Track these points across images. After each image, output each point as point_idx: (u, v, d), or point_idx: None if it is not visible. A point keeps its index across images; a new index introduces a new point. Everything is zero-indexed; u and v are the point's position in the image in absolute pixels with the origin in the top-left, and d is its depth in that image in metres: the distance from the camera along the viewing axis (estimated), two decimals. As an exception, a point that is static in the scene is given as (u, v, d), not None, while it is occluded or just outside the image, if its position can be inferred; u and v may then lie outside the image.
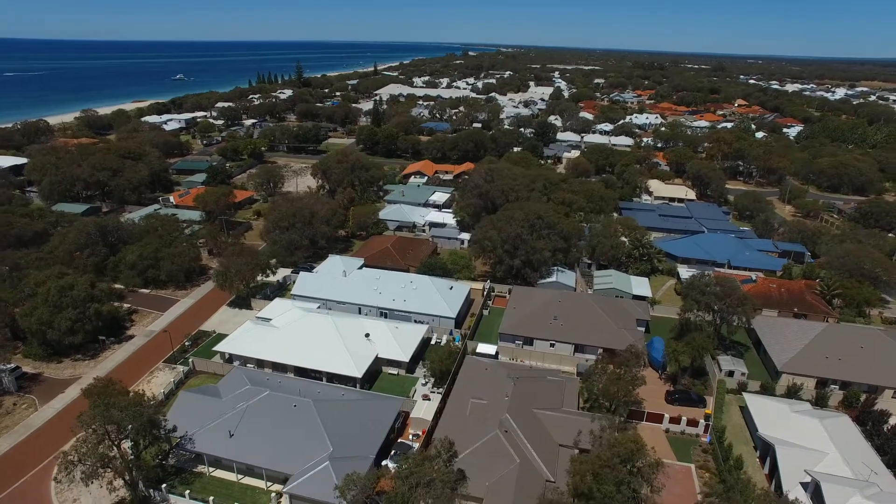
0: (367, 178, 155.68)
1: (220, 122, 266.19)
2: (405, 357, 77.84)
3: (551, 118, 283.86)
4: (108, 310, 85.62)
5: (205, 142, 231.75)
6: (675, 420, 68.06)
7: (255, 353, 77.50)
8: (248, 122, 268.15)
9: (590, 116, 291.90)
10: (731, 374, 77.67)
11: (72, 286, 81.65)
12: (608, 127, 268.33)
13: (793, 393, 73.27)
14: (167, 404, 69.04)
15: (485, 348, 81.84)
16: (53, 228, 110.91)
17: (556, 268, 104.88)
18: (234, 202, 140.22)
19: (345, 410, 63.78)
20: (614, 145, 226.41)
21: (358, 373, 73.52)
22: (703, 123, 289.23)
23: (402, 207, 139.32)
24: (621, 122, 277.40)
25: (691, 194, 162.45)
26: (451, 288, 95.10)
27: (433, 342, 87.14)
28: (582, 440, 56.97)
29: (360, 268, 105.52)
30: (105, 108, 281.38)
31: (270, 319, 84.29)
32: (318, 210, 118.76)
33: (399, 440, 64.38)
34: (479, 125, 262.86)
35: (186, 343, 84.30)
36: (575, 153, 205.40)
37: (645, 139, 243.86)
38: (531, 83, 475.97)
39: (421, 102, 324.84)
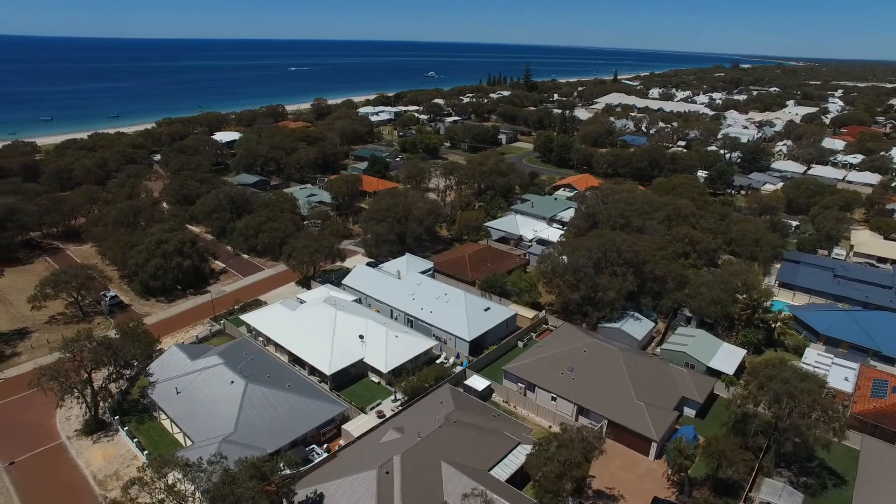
0: (502, 183, 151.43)
1: (426, 116, 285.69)
2: (384, 367, 74.14)
3: (780, 144, 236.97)
4: (190, 265, 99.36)
5: (401, 133, 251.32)
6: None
7: (265, 329, 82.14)
8: (450, 119, 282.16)
9: (840, 144, 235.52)
10: (770, 506, 55.88)
11: (166, 241, 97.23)
12: (856, 159, 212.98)
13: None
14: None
15: (475, 382, 73.25)
16: (207, 193, 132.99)
17: (630, 313, 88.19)
18: (364, 190, 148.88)
19: (273, 401, 63.85)
20: (849, 182, 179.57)
21: (328, 370, 72.66)
22: None
23: (517, 219, 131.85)
24: (881, 153, 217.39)
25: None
26: (486, 309, 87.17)
27: (439, 360, 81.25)
28: None
29: (428, 272, 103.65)
30: (335, 99, 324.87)
31: (304, 302, 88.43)
32: (416, 208, 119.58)
33: (312, 446, 61.84)
34: (683, 143, 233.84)
35: (235, 307, 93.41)
36: (779, 186, 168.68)
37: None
38: (790, 102, 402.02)
39: (634, 114, 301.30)
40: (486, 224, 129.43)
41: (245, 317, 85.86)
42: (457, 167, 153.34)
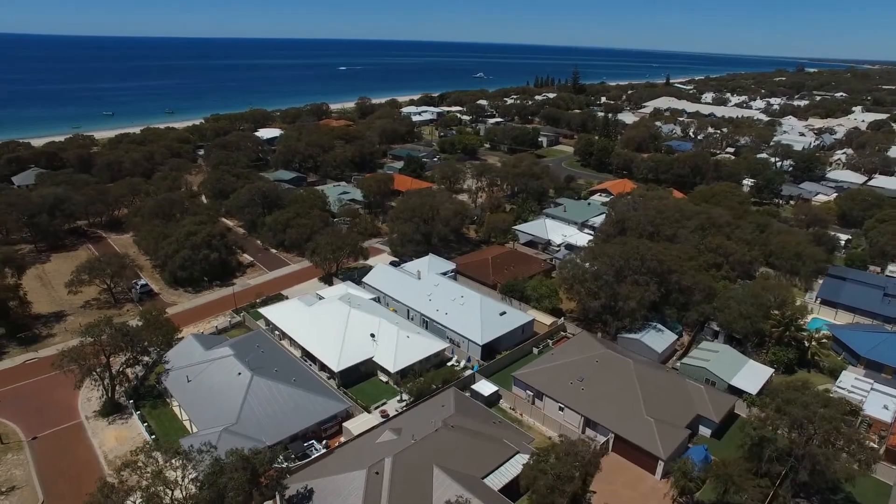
0: (535, 186, 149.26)
1: (468, 117, 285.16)
2: (392, 367, 73.97)
3: (839, 153, 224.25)
4: (217, 257, 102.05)
5: (441, 134, 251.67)
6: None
7: (280, 323, 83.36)
8: (493, 121, 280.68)
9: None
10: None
11: (195, 233, 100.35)
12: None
13: None
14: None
15: (482, 386, 72.16)
16: (241, 187, 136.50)
17: (652, 324, 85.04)
18: (396, 189, 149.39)
19: (276, 394, 64.69)
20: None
21: (336, 366, 73.14)
22: None
23: (546, 223, 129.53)
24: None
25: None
26: (502, 313, 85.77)
27: (451, 363, 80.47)
28: None
29: (449, 273, 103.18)
30: (379, 98, 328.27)
31: (322, 298, 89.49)
32: (443, 208, 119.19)
33: (311, 441, 62.18)
34: (732, 150, 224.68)
35: (257, 300, 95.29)
36: (832, 196, 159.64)
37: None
38: (857, 108, 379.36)
39: (682, 119, 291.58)
40: (514, 227, 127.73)
41: (263, 310, 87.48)
42: (489, 168, 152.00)
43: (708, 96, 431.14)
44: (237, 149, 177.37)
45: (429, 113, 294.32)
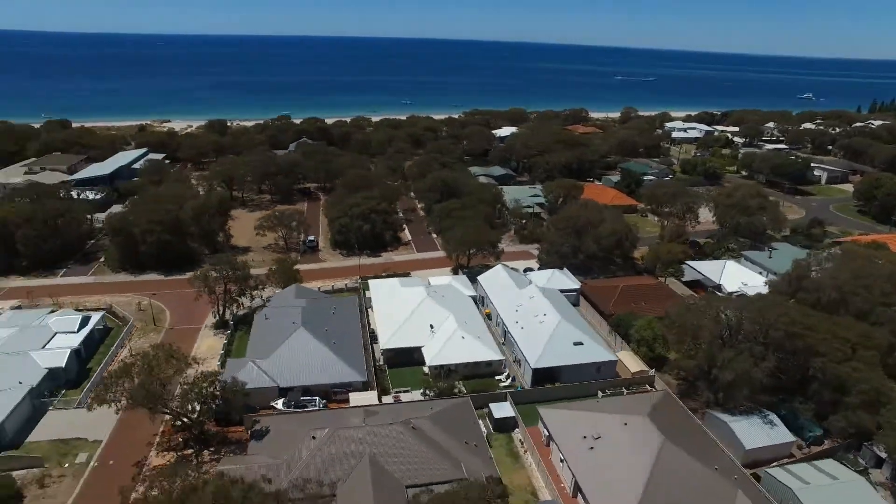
0: (745, 223, 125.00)
1: (741, 140, 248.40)
2: (428, 360, 74.58)
3: None
4: (370, 230, 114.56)
5: (697, 153, 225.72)
6: None
7: (372, 295, 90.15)
8: (769, 146, 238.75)
9: None
10: None
11: (358, 205, 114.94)
12: None
13: None
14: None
15: (498, 408, 67.04)
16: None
17: (763, 412, 65.74)
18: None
19: (309, 348, 72.45)
20: None
21: (383, 344, 77.31)
22: None
23: (727, 265, 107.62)
24: None
25: None
26: (577, 343, 76.83)
27: (498, 377, 76.17)
28: None
29: (570, 292, 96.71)
30: (648, 111, 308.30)
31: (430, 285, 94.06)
32: (603, 226, 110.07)
33: (315, 398, 67.45)
34: None
35: (383, 274, 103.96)
36: None
37: None
38: None
39: None
40: (687, 262, 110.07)
41: (371, 282, 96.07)
42: (695, 195, 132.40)
43: None
44: (468, 140, 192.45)
45: (696, 130, 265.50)
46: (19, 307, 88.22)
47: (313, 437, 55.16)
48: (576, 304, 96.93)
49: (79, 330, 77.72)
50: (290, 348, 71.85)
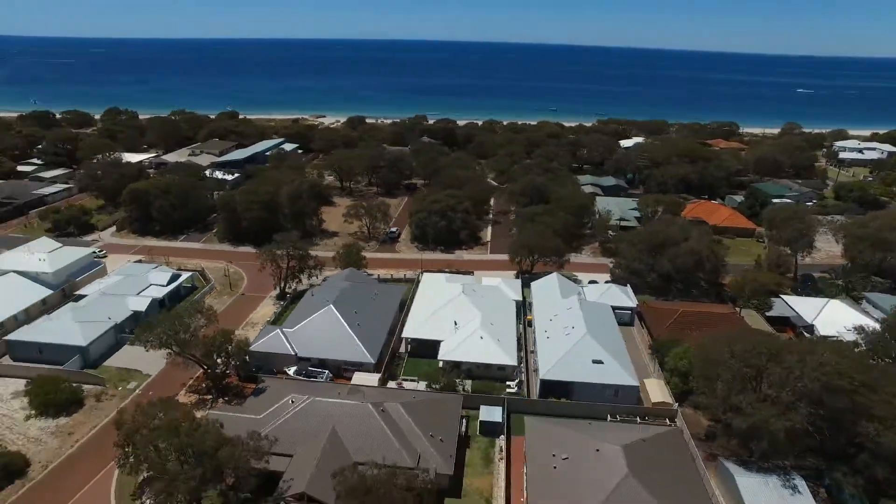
0: (869, 258, 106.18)
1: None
2: (440, 355, 75.80)
3: None
4: (444, 226, 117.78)
5: (869, 177, 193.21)
6: None
7: (420, 288, 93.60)
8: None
9: None
10: None
11: (438, 202, 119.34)
12: None
13: None
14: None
15: (487, 412, 66.27)
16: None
17: (787, 473, 57.12)
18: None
19: (333, 326, 77.81)
20: None
21: (406, 334, 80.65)
22: None
23: (829, 304, 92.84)
24: None
25: None
26: (596, 361, 72.58)
27: (508, 382, 74.79)
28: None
29: (626, 310, 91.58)
30: (823, 128, 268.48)
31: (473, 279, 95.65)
32: (683, 245, 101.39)
33: (326, 371, 72.82)
34: None
35: (446, 270, 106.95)
36: None
37: None
38: None
39: None
40: (781, 295, 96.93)
41: (424, 274, 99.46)
42: (814, 222, 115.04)
43: None
44: (587, 148, 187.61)
45: (877, 151, 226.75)
46: (140, 261, 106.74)
47: (292, 402, 60.29)
48: (629, 324, 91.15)
49: (167, 284, 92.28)
50: (316, 323, 78.09)
